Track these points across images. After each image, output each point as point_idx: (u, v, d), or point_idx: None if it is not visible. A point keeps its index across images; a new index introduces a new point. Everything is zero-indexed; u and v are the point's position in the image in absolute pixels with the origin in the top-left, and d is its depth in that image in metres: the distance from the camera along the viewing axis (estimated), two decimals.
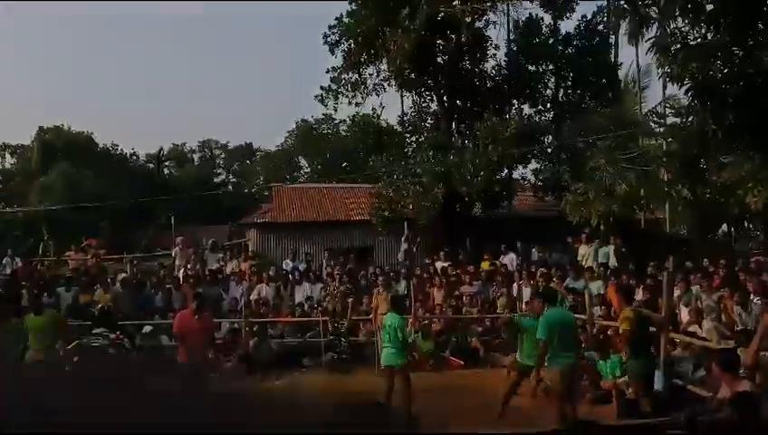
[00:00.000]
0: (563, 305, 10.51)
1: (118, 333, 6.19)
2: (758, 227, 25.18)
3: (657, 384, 8.62)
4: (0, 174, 50.03)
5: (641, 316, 7.89)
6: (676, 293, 11.62)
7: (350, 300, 13.39)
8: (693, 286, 12.20)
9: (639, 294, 12.49)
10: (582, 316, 11.11)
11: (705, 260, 15.07)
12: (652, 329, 8.57)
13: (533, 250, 18.12)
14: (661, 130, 19.90)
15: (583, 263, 15.44)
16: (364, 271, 17.32)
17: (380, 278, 13.64)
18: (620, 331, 7.80)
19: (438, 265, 17.51)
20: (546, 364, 7.67)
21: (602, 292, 13.13)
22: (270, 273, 16.23)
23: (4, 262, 19.82)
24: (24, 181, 44.84)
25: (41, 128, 46.56)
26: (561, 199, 20.03)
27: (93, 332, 6.11)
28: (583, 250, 16.27)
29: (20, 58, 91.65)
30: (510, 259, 17.52)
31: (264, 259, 20.20)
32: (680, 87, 13.40)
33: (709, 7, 10.82)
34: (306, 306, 14.48)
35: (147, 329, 13.04)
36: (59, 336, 8.55)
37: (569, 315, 8.38)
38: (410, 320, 13.49)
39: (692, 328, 10.75)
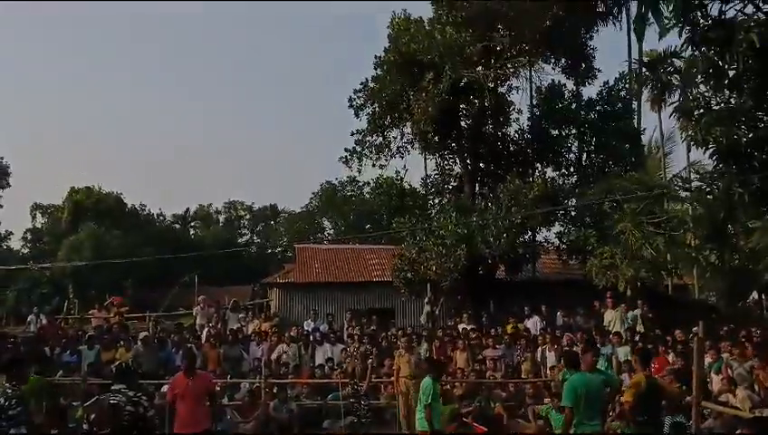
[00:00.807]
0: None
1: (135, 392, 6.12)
2: None
3: None
4: (31, 233, 50.98)
5: (652, 384, 7.48)
6: (707, 360, 11.31)
7: (369, 362, 13.20)
8: (723, 354, 11.87)
9: (670, 361, 12.24)
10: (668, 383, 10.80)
11: (735, 327, 14.71)
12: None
13: (558, 314, 17.82)
14: (687, 194, 19.77)
15: (610, 328, 15.11)
16: (386, 333, 17.13)
17: (402, 340, 13.45)
18: (623, 399, 7.42)
19: (461, 327, 17.29)
20: (572, 432, 7.42)
21: (629, 358, 12.81)
22: (291, 333, 16.15)
23: (29, 319, 20.03)
24: (54, 240, 45.63)
25: (72, 188, 47.66)
26: (586, 263, 19.82)
27: (112, 388, 6.05)
28: (609, 315, 15.96)
29: (53, 122, 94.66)
30: (534, 323, 17.26)
31: (282, 319, 20.12)
32: (705, 151, 13.38)
33: (731, 72, 10.87)
34: (327, 368, 14.31)
35: (166, 388, 12.98)
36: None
37: (595, 381, 8.14)
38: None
39: (723, 397, 10.43)
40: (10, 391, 7.35)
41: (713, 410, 9.80)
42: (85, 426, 5.90)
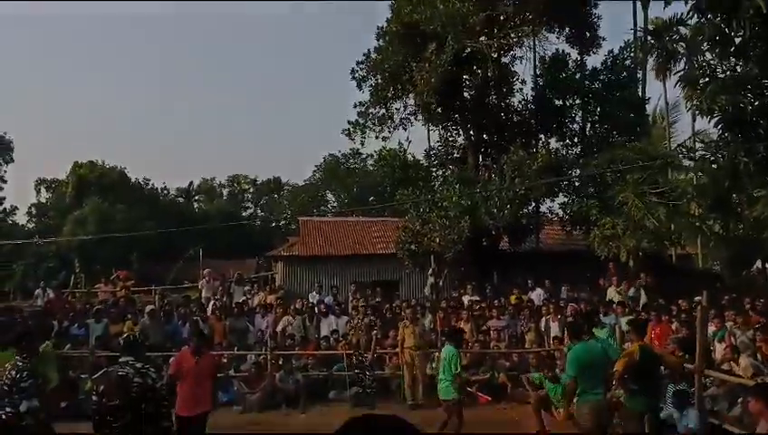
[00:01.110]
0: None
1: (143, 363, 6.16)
2: None
3: (693, 424, 8.39)
4: (35, 208, 51.13)
5: (647, 353, 7.48)
6: (711, 328, 11.37)
7: (374, 333, 13.31)
8: (727, 322, 11.92)
9: (674, 330, 12.30)
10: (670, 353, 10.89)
11: (738, 296, 14.74)
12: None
13: (563, 289, 17.85)
14: (691, 164, 19.67)
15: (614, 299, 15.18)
16: (390, 304, 17.24)
17: (407, 311, 13.55)
18: (615, 368, 7.37)
19: (465, 298, 17.39)
20: (575, 402, 7.50)
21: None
22: (296, 306, 16.27)
23: (36, 293, 20.19)
24: (59, 215, 45.79)
25: (76, 163, 47.67)
26: (589, 234, 19.81)
27: (120, 360, 6.10)
28: (612, 293, 15.96)
29: (56, 95, 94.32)
30: (537, 295, 17.33)
31: (287, 292, 20.24)
32: (710, 120, 13.26)
33: (737, 40, 10.71)
34: (332, 339, 14.44)
35: (172, 360, 13.12)
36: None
37: (598, 351, 8.19)
38: (435, 354, 13.46)
39: (726, 365, 10.49)
40: (21, 363, 7.43)
41: (716, 378, 9.87)
42: (94, 397, 5.94)
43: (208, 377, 8.06)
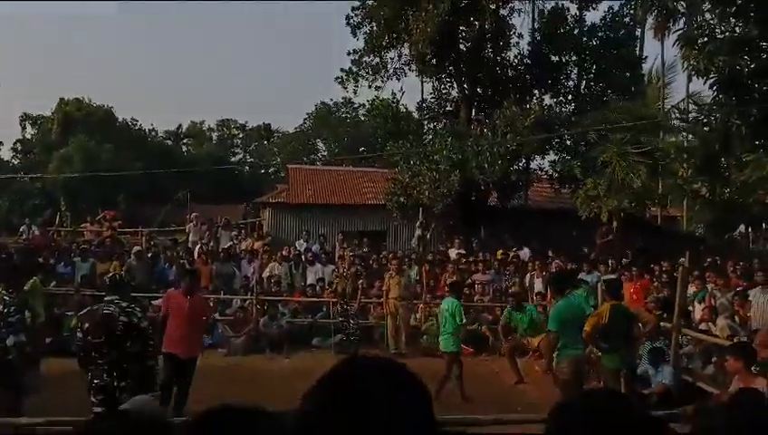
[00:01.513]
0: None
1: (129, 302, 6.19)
2: None
3: (667, 380, 8.58)
4: (20, 144, 50.44)
5: (619, 312, 7.59)
6: (692, 289, 11.54)
7: (360, 282, 13.41)
8: (708, 284, 12.09)
9: (656, 289, 12.49)
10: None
11: (720, 259, 14.93)
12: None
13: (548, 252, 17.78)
14: (683, 125, 19.65)
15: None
16: (377, 255, 17.33)
17: (393, 262, 13.64)
18: (584, 328, 7.44)
19: (452, 252, 17.48)
20: (556, 355, 7.64)
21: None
22: (283, 253, 16.30)
23: (21, 230, 20.09)
24: (44, 152, 45.23)
25: (61, 99, 46.86)
26: (575, 193, 19.88)
27: (105, 299, 6.12)
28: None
29: (41, 28, 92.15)
30: (525, 253, 17.41)
31: (274, 239, 20.26)
32: (705, 81, 13.20)
33: (738, 1, 10.61)
34: (318, 287, 14.54)
35: (159, 302, 13.18)
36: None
37: (579, 307, 8.30)
38: (419, 306, 13.62)
39: (704, 325, 10.68)
40: (7, 298, 7.43)
41: (692, 338, 10.06)
42: (79, 334, 5.97)
43: (200, 320, 8.00)
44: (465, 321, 9.41)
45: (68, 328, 11.46)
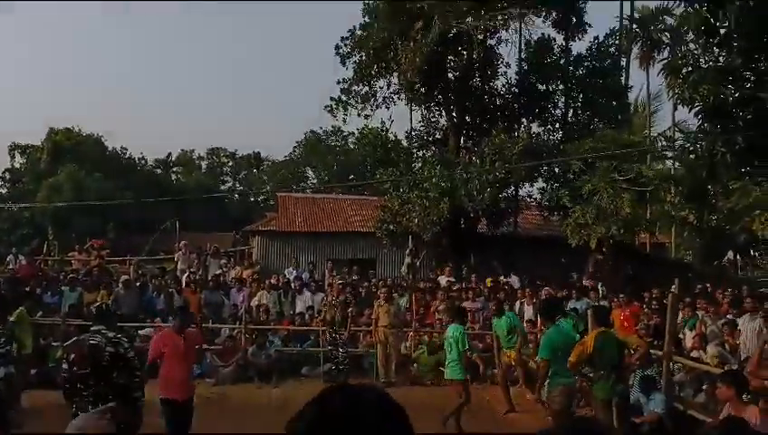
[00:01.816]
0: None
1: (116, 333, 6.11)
2: (765, 256, 25.07)
3: (659, 408, 8.54)
4: (9, 173, 50.19)
5: (606, 340, 7.39)
6: (681, 316, 11.54)
7: (349, 310, 13.33)
8: (699, 311, 12.10)
9: (643, 317, 12.49)
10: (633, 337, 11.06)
11: (708, 286, 14.98)
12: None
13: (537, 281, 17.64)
14: (669, 153, 19.85)
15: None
16: (367, 283, 17.27)
17: (382, 290, 13.59)
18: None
19: (442, 280, 17.46)
20: (547, 384, 7.60)
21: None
22: (272, 281, 16.23)
23: (8, 259, 19.90)
24: (33, 181, 45.00)
25: (51, 129, 46.77)
26: (565, 220, 19.96)
27: (91, 329, 6.04)
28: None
29: (33, 59, 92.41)
30: (514, 281, 17.43)
31: (263, 267, 20.19)
32: (690, 109, 13.36)
33: (722, 30, 10.78)
34: (307, 316, 14.45)
35: (147, 331, 13.06)
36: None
37: (570, 335, 8.29)
38: (409, 334, 13.55)
39: (695, 353, 10.67)
40: (2, 329, 7.33)
41: (684, 365, 10.05)
42: (64, 366, 5.88)
43: (194, 355, 7.69)
44: (468, 347, 9.29)
45: (54, 359, 11.31)
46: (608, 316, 8.45)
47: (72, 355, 5.82)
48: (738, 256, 25.64)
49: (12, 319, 9.37)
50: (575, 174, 19.35)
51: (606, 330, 7.69)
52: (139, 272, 17.44)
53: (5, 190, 49.18)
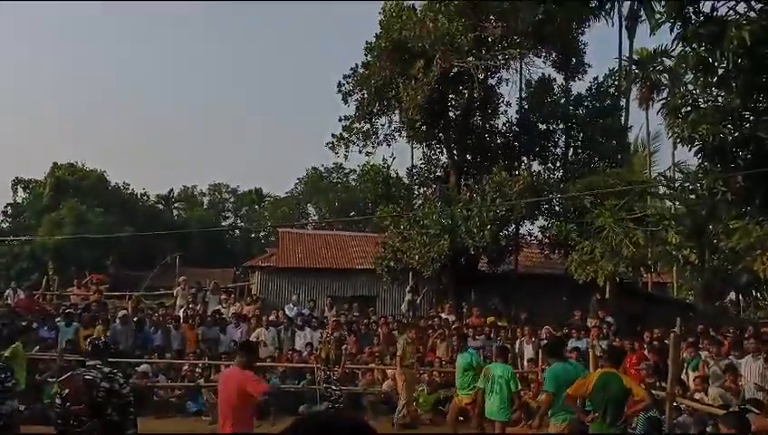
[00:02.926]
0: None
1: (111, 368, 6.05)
2: (767, 296, 24.94)
3: None
4: (11, 207, 50.36)
5: (611, 381, 7.14)
6: (684, 357, 11.42)
7: (344, 347, 13.08)
8: (701, 352, 11.98)
9: (645, 356, 12.36)
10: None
11: (709, 326, 14.86)
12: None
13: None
14: (670, 192, 19.89)
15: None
16: (367, 320, 17.18)
17: (386, 327, 13.40)
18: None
19: (443, 317, 17.37)
20: (549, 419, 7.52)
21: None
22: (271, 317, 16.13)
23: (6, 293, 19.81)
24: (35, 216, 45.14)
25: (55, 164, 47.10)
26: (568, 257, 19.90)
27: (87, 364, 5.98)
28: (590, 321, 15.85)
29: (37, 95, 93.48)
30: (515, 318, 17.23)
31: (263, 303, 20.10)
32: (690, 149, 13.43)
33: (720, 70, 10.89)
34: (305, 353, 14.31)
35: (143, 368, 12.94)
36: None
37: (574, 372, 8.17)
38: (413, 372, 13.36)
39: (698, 395, 10.53)
40: (2, 363, 7.27)
41: (688, 407, 9.90)
42: (58, 401, 5.81)
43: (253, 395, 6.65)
44: (519, 388, 9.19)
45: (49, 395, 11.17)
46: (621, 358, 8.25)
47: (67, 390, 5.76)
48: (740, 296, 25.51)
49: (6, 354, 9.32)
50: (578, 211, 19.39)
51: (612, 371, 7.41)
52: (138, 307, 17.35)
53: (7, 225, 49.26)
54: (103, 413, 5.63)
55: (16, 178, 50.59)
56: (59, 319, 14.85)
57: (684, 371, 11.36)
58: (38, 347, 13.24)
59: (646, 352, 12.68)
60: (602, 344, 13.23)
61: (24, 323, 13.93)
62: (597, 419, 7.26)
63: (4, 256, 39.58)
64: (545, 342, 13.05)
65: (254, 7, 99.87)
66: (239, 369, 6.38)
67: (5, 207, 50.34)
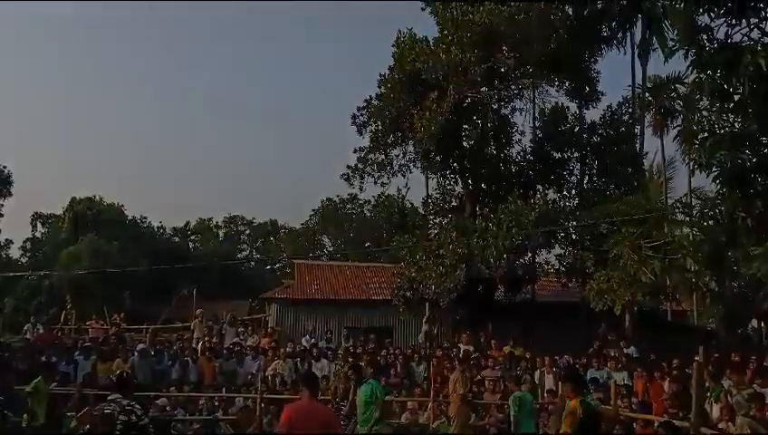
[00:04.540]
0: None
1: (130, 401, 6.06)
2: None
3: None
4: (30, 242, 50.92)
5: (589, 409, 6.98)
6: (707, 386, 11.22)
7: (352, 381, 12.83)
8: (724, 381, 11.77)
9: (666, 386, 12.16)
10: (608, 407, 10.79)
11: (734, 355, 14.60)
12: None
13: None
14: (688, 219, 19.75)
15: None
16: (386, 351, 17.07)
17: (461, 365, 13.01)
18: (561, 429, 6.94)
19: (460, 347, 17.23)
20: None
21: (627, 382, 12.77)
22: (288, 349, 16.08)
23: (25, 328, 19.94)
24: (53, 250, 45.58)
25: (73, 198, 47.70)
26: (585, 286, 19.76)
27: (108, 398, 6.01)
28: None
29: (56, 129, 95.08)
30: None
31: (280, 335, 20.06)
32: (707, 175, 13.34)
33: (736, 96, 10.86)
34: (322, 385, 14.19)
35: (162, 401, 12.90)
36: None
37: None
38: (429, 404, 13.21)
39: (722, 425, 10.32)
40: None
41: None
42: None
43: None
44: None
45: (68, 427, 11.17)
46: (585, 383, 8.09)
47: (86, 426, 5.79)
48: (762, 324, 25.11)
49: (28, 389, 9.36)
50: (595, 238, 19.28)
51: (585, 399, 7.33)
52: (156, 340, 17.38)
53: (26, 259, 49.76)
54: None
55: (35, 212, 51.30)
56: (77, 353, 14.90)
57: (708, 400, 11.16)
58: (56, 382, 13.28)
59: (665, 383, 12.48)
60: (619, 375, 13.08)
61: (44, 359, 14.03)
62: None
63: (23, 290, 39.89)
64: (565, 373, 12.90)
65: (270, 35, 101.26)
66: (320, 403, 6.37)
67: (25, 241, 50.97)
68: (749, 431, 9.29)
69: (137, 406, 6.01)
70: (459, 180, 24.37)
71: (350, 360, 14.48)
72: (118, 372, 7.90)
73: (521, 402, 10.96)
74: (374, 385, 9.86)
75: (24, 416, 7.96)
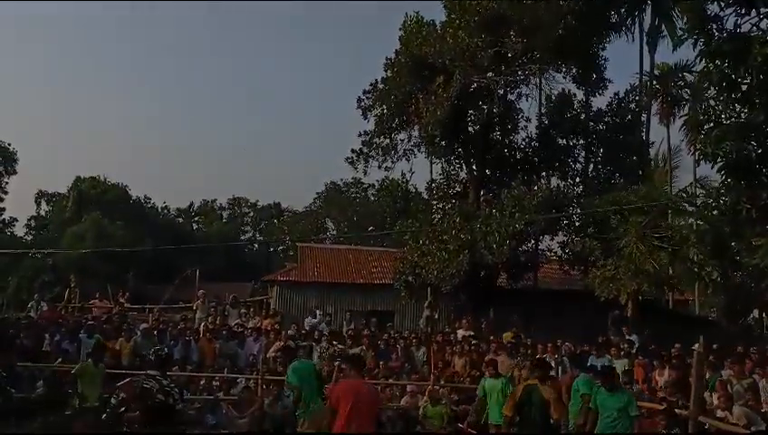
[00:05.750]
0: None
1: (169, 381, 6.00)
2: None
3: None
4: (35, 220, 51.02)
5: (530, 392, 7.55)
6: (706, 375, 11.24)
7: (337, 363, 12.81)
8: (723, 371, 11.80)
9: (665, 375, 12.19)
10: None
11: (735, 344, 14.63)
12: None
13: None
14: (692, 209, 19.71)
15: None
16: (388, 334, 17.11)
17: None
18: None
19: (460, 333, 17.25)
20: None
21: (628, 368, 12.78)
22: (290, 332, 16.11)
23: (29, 306, 20.04)
24: (57, 229, 45.67)
25: (77, 177, 47.73)
26: (588, 274, 19.74)
27: (148, 372, 5.96)
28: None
29: (60, 110, 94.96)
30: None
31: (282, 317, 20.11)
32: (713, 165, 13.30)
33: (744, 86, 10.79)
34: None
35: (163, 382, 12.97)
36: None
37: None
38: (428, 388, 13.24)
39: (720, 413, 10.35)
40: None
41: (710, 426, 9.74)
42: (113, 401, 5.82)
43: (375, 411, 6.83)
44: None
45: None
46: (547, 372, 8.31)
47: (123, 395, 5.77)
48: (764, 314, 25.12)
49: (74, 371, 9.43)
50: (598, 226, 19.20)
51: (535, 384, 7.75)
52: (160, 319, 17.44)
53: (30, 237, 49.91)
54: (156, 425, 5.60)
55: (40, 190, 51.36)
56: (81, 331, 14.96)
57: (707, 389, 11.18)
58: (61, 359, 13.35)
59: (668, 370, 12.50)
60: (620, 363, 13.06)
61: (46, 335, 14.09)
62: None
63: (27, 269, 40.04)
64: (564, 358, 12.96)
65: (273, 22, 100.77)
66: (366, 382, 6.98)
67: (29, 219, 51.10)
68: (745, 422, 9.34)
69: (176, 389, 5.91)
70: (464, 166, 24.30)
71: (335, 343, 14.53)
72: (158, 349, 7.43)
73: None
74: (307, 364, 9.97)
75: (74, 399, 8.05)
